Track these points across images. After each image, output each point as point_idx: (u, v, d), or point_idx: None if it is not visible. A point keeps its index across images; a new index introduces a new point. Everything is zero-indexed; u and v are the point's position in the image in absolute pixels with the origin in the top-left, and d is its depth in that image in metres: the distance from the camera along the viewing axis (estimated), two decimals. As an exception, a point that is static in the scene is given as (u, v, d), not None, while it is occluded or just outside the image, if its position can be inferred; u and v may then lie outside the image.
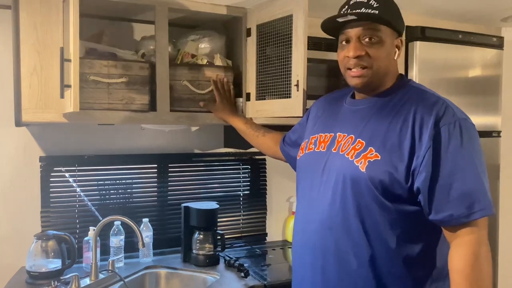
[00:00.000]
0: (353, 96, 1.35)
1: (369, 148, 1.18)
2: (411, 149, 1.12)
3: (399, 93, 1.24)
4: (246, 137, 1.80)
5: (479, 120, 2.18)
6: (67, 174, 1.99)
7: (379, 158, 1.15)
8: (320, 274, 1.24)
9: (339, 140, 1.26)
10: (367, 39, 1.20)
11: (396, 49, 1.25)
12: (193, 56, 1.91)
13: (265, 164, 2.39)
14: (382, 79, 1.25)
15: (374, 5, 1.19)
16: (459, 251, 1.09)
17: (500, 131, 2.27)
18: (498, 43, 2.23)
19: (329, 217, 1.22)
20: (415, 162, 1.12)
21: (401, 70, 2.03)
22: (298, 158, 1.41)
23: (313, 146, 1.34)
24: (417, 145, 1.12)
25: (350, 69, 1.23)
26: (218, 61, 1.92)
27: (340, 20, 1.21)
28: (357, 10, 1.19)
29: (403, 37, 1.29)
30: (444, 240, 1.17)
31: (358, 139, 1.21)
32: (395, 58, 1.26)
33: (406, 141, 1.13)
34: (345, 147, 1.23)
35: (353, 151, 1.20)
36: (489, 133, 2.24)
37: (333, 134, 1.30)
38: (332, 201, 1.22)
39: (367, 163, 1.16)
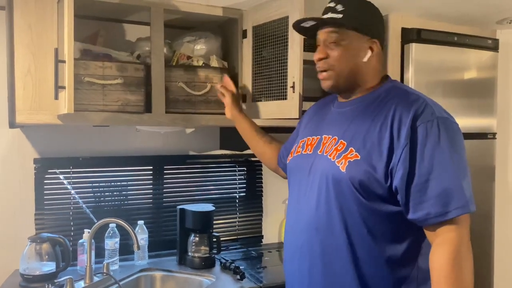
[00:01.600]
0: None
1: (350, 148, 1.18)
2: (390, 148, 1.13)
3: (382, 93, 1.24)
4: (248, 140, 1.73)
5: (474, 122, 2.18)
6: (61, 176, 1.98)
7: (358, 158, 1.16)
8: (307, 275, 1.24)
9: (325, 142, 1.28)
10: (328, 43, 1.25)
11: (369, 51, 1.25)
12: (188, 57, 1.90)
13: (261, 166, 2.39)
14: (352, 81, 1.26)
15: (339, 9, 1.23)
16: (439, 250, 1.08)
17: (496, 133, 2.27)
18: (493, 45, 2.23)
19: (315, 219, 1.22)
20: (393, 160, 1.12)
21: (397, 72, 2.03)
22: (288, 162, 1.42)
23: (301, 149, 1.36)
24: (395, 143, 1.12)
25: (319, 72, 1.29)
26: (214, 63, 1.91)
27: (302, 25, 1.29)
28: (324, 16, 1.25)
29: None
30: (428, 242, 1.16)
31: (340, 140, 1.22)
32: (365, 60, 1.25)
33: (385, 140, 1.14)
34: (328, 149, 1.24)
35: (335, 152, 1.21)
36: (485, 135, 2.24)
37: (319, 136, 1.31)
38: (317, 203, 1.22)
39: (347, 163, 1.17)
